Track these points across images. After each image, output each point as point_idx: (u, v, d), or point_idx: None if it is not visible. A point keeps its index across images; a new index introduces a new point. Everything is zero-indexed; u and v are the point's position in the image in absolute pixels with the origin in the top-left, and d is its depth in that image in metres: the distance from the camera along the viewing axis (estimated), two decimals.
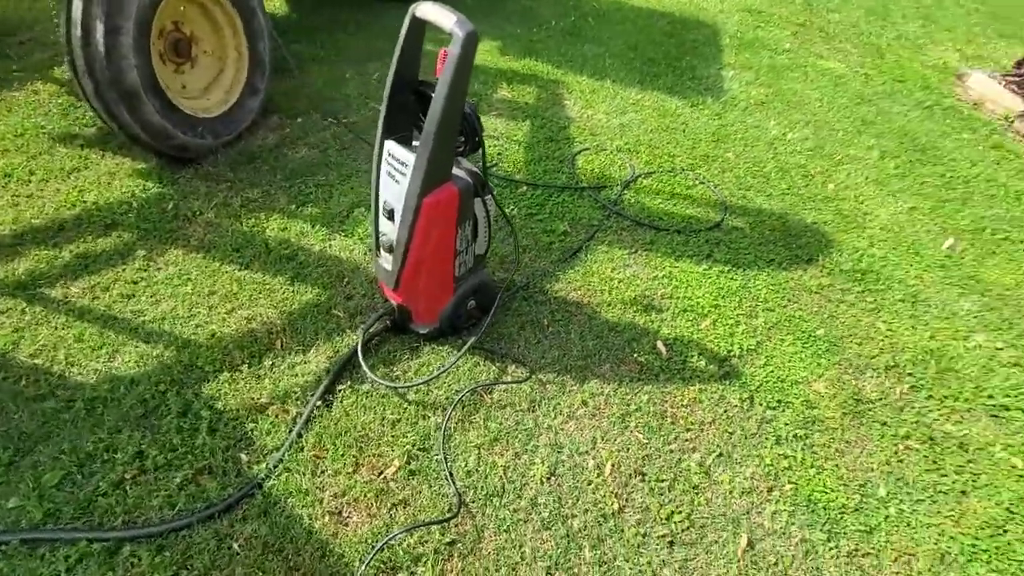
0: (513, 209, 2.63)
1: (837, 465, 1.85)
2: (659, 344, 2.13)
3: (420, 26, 1.44)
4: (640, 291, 2.33)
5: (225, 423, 1.70)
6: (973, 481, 1.85)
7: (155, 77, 2.28)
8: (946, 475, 1.86)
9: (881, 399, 2.06)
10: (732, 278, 2.45)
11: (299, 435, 1.68)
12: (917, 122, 3.86)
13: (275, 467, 1.60)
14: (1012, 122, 3.97)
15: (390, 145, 1.56)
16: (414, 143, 1.68)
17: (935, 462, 1.90)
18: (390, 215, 1.64)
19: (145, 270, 2.13)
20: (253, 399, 1.77)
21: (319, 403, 1.76)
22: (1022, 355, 2.29)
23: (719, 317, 2.27)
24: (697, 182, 2.98)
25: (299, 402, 1.78)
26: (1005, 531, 1.74)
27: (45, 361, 1.81)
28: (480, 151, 1.65)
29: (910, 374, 2.16)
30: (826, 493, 1.77)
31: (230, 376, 1.81)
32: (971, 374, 2.19)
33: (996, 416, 2.06)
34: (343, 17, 4.08)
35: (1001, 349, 2.32)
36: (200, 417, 1.69)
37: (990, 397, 2.12)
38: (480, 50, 3.83)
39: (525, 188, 2.76)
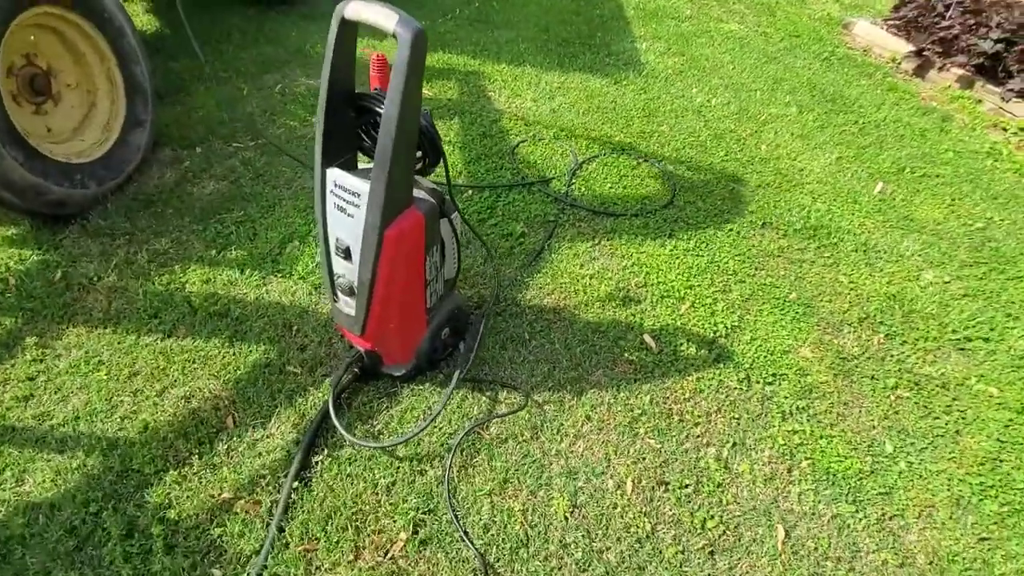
0: (465, 213, 2.43)
1: (843, 430, 1.84)
2: (646, 338, 2.03)
3: (352, 29, 1.20)
4: (613, 284, 2.21)
5: (184, 535, 1.40)
6: (962, 418, 1.91)
7: (11, 124, 1.85)
8: (938, 418, 1.91)
9: (863, 353, 2.08)
10: (698, 255, 2.39)
11: (280, 529, 1.42)
12: (820, 74, 4.01)
13: None
14: (899, 64, 4.23)
15: (335, 174, 1.32)
16: (360, 166, 1.44)
17: (926, 407, 1.94)
18: (346, 254, 1.40)
19: (41, 360, 1.74)
20: (213, 497, 1.48)
21: (295, 484, 1.50)
22: (968, 286, 2.41)
23: (696, 298, 2.20)
24: (640, 161, 2.90)
25: (271, 488, 1.51)
26: (1001, 462, 1.80)
27: None
28: (442, 164, 1.44)
29: (881, 323, 2.20)
30: (841, 461, 1.75)
31: (178, 474, 1.51)
32: (931, 312, 2.27)
33: (963, 349, 2.15)
34: (223, 27, 3.63)
35: (948, 282, 2.43)
36: (150, 535, 1.39)
37: (953, 332, 2.21)
38: (387, 47, 3.55)
39: (470, 192, 2.56)
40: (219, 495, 1.48)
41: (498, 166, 2.74)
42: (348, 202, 1.32)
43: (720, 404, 1.86)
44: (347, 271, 1.44)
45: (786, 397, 1.90)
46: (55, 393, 1.67)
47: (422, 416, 1.71)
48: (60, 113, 2.19)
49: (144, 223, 2.22)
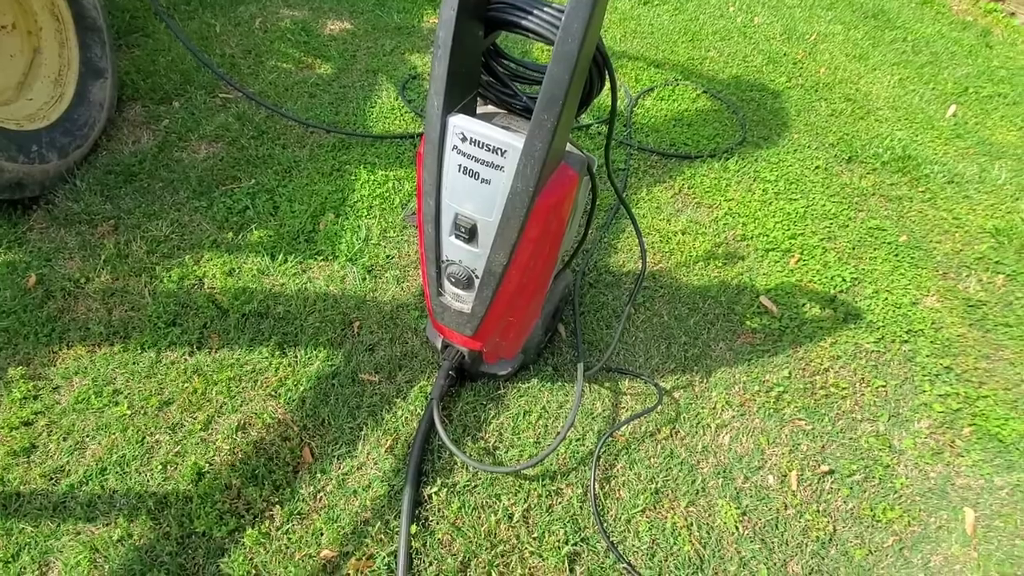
0: None
1: (994, 389, 1.64)
2: (764, 300, 1.75)
3: None
4: (709, 240, 1.91)
5: None
6: None
7: None
8: None
9: (990, 298, 1.87)
10: (792, 199, 2.10)
11: None
12: None
13: None
14: None
15: (462, 124, 0.92)
16: (483, 108, 1.05)
17: None
18: (470, 234, 1.02)
19: (35, 397, 1.32)
20: (312, 558, 1.14)
21: (413, 528, 1.19)
22: None
23: (803, 249, 1.93)
24: (700, 91, 2.54)
25: (382, 536, 1.19)
26: None
27: None
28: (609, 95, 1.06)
29: (998, 262, 1.99)
30: (1004, 424, 1.55)
31: (259, 533, 1.16)
32: None
33: None
34: None
35: None
36: None
37: None
38: None
39: None
40: (318, 554, 1.15)
41: None
42: (485, 163, 0.93)
43: (863, 371, 1.63)
44: (467, 257, 1.07)
45: (928, 356, 1.68)
46: (64, 439, 1.26)
47: (539, 422, 1.40)
48: None
49: (130, 202, 1.74)
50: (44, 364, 1.37)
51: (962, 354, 1.71)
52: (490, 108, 1.08)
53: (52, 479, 1.20)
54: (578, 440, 1.39)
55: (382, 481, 1.26)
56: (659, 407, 1.46)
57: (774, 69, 2.76)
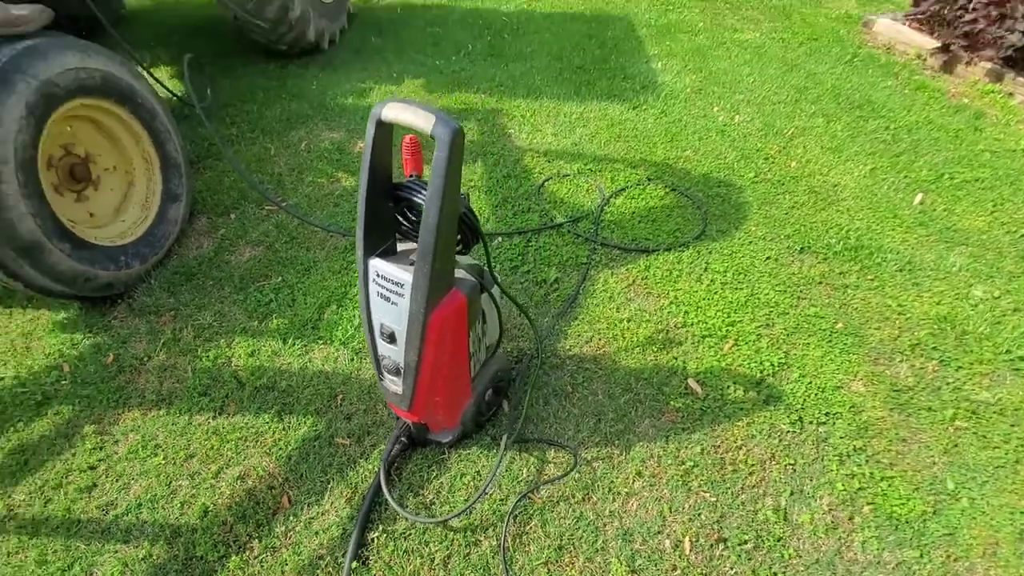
0: (495, 265, 2.44)
1: (903, 469, 1.77)
2: (691, 383, 2.00)
3: (387, 129, 1.22)
4: (652, 327, 2.19)
5: None
6: (1021, 446, 1.83)
7: (56, 218, 1.93)
8: (998, 447, 1.83)
9: (918, 383, 2.01)
10: (737, 288, 2.35)
11: None
12: (844, 78, 3.92)
13: None
14: (925, 60, 4.12)
15: (377, 265, 1.33)
16: (400, 247, 1.46)
17: (984, 436, 1.86)
18: (390, 338, 1.41)
19: (101, 448, 1.80)
20: None
21: (354, 564, 1.51)
22: (1019, 299, 2.31)
23: (738, 335, 2.16)
24: (668, 190, 2.87)
25: (331, 569, 1.52)
26: None
27: None
28: (483, 244, 1.45)
29: (934, 348, 2.12)
30: (904, 504, 1.69)
31: (240, 560, 1.53)
32: (984, 332, 2.19)
33: (1017, 370, 2.06)
34: (247, 84, 3.73)
35: (999, 297, 2.33)
36: None
37: (1007, 352, 2.12)
38: (405, 91, 3.59)
39: (500, 239, 2.57)
40: None
41: (525, 208, 2.74)
42: (391, 291, 1.33)
43: (774, 450, 1.82)
44: (392, 353, 1.45)
45: (842, 438, 1.85)
46: (116, 481, 1.72)
47: (472, 483, 1.71)
48: (100, 197, 2.28)
49: (187, 297, 2.28)
50: (110, 423, 1.86)
51: (877, 436, 1.86)
52: (409, 244, 1.49)
53: (104, 510, 1.65)
54: (501, 500, 1.68)
55: (338, 525, 1.61)
56: (574, 473, 1.73)
57: (745, 165, 3.06)
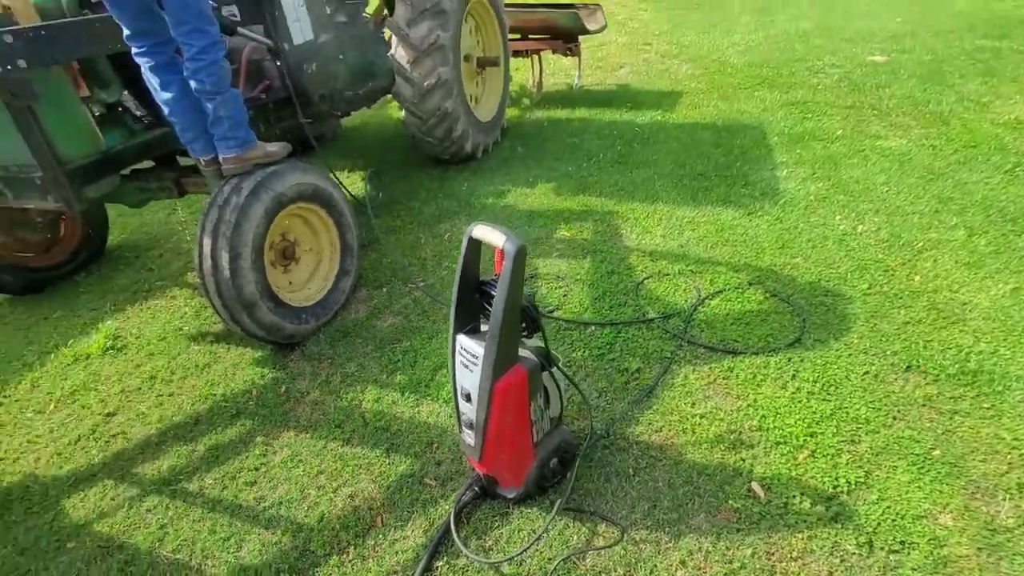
0: (583, 351, 2.74)
1: None
2: (754, 486, 2.04)
3: (477, 243, 1.67)
4: (724, 426, 2.28)
5: None
6: None
7: (268, 284, 2.71)
8: None
9: (1019, 526, 1.81)
10: (824, 399, 2.34)
11: None
12: (1000, 189, 3.65)
13: None
14: None
15: (462, 339, 1.75)
16: (483, 327, 1.86)
17: None
18: (467, 398, 1.79)
19: (264, 455, 2.40)
20: None
21: None
22: None
23: (817, 447, 2.15)
24: (768, 295, 2.95)
25: None
26: None
27: (185, 556, 2.05)
28: (541, 332, 1.81)
29: None
30: None
31: (339, 560, 1.95)
32: None
33: None
34: (415, 185, 4.65)
35: None
36: None
37: None
38: (537, 193, 4.18)
39: (593, 328, 2.88)
40: None
41: (621, 303, 3.03)
42: (470, 361, 1.73)
43: (833, 568, 1.78)
44: (468, 411, 1.83)
45: (914, 570, 1.75)
46: (270, 482, 2.28)
47: (527, 537, 1.95)
48: (298, 270, 3.09)
49: (341, 350, 2.93)
50: (273, 438, 2.48)
51: (956, 575, 1.73)
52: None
53: (257, 502, 2.20)
54: (549, 558, 1.89)
55: (413, 550, 1.96)
56: (619, 548, 1.88)
57: (859, 276, 3.01)
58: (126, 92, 3.07)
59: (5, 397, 2.92)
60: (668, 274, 3.21)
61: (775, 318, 2.81)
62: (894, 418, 2.23)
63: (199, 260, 2.58)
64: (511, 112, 6.04)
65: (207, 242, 2.54)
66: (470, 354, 1.73)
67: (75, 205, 2.71)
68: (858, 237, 3.34)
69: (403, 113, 4.36)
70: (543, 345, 1.87)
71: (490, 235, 1.59)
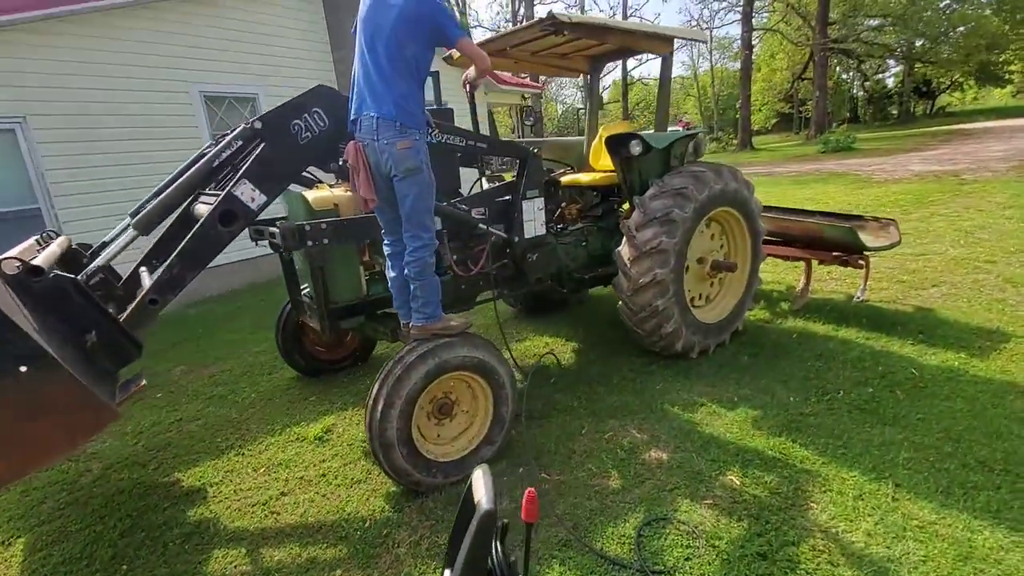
0: None
1: None
2: None
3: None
4: None
5: None
6: None
7: (409, 433, 3.09)
8: None
9: None
10: None
11: None
12: None
13: None
14: None
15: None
16: None
17: None
18: None
19: None
20: None
21: None
22: None
23: None
24: None
25: None
26: None
27: None
28: None
29: None
30: None
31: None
32: None
33: None
34: (610, 369, 4.62)
35: None
36: None
37: None
38: (731, 418, 3.67)
39: None
40: None
41: None
42: None
43: None
44: None
45: None
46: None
47: None
48: (451, 427, 3.41)
49: (450, 515, 3.04)
50: (349, 571, 2.70)
51: None
52: None
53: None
54: None
55: None
56: None
57: None
58: None
59: (248, 451, 3.98)
60: None
61: None
62: None
63: (368, 399, 3.15)
64: (760, 314, 5.52)
65: (376, 387, 3.10)
66: None
67: (327, 331, 3.72)
68: None
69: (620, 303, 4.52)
70: None
71: (478, 482, 1.55)
